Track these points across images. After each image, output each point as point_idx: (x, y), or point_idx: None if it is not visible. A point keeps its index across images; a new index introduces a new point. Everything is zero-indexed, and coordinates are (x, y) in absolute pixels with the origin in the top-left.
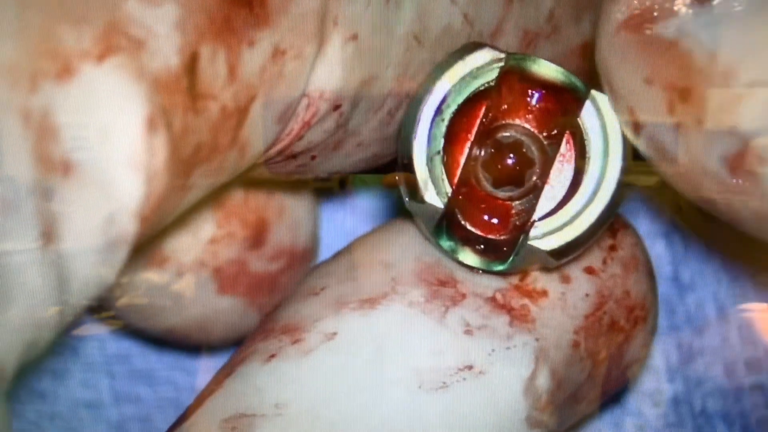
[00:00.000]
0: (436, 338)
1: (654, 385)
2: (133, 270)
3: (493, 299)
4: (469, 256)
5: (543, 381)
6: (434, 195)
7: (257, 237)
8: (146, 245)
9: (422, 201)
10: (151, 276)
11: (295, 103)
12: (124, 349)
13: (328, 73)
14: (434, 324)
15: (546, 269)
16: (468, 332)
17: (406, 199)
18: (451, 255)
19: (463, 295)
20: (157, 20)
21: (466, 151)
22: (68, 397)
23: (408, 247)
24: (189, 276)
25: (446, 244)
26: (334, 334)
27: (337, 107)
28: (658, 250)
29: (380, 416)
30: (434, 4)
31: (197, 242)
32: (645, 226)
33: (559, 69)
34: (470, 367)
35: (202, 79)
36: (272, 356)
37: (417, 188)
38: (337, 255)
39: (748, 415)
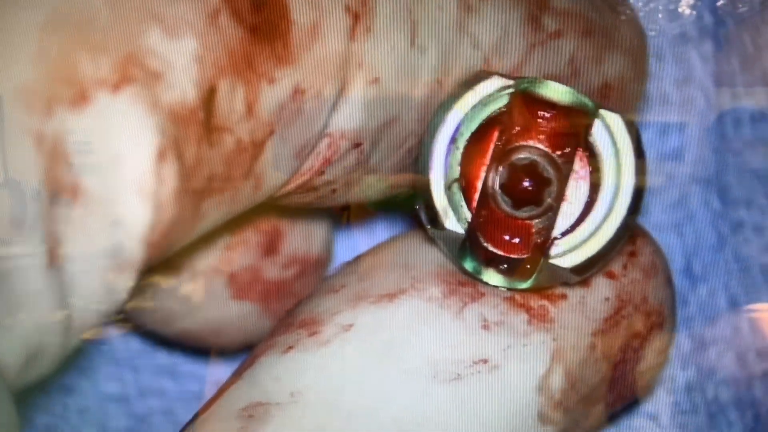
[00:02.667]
0: (453, 331)
1: (667, 373)
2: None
3: (512, 299)
4: (493, 276)
5: (557, 380)
6: (455, 222)
7: (271, 244)
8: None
9: (443, 228)
10: (166, 281)
11: (314, 140)
12: (147, 344)
13: (350, 113)
14: (451, 318)
15: (568, 284)
16: (485, 327)
17: (428, 227)
18: (476, 276)
19: (482, 294)
20: (176, 53)
21: (483, 175)
22: (95, 391)
23: (429, 253)
24: (203, 281)
25: (470, 265)
26: (351, 325)
27: (357, 145)
28: (670, 241)
29: (395, 405)
30: (457, 49)
31: (212, 249)
32: (655, 217)
33: (567, 89)
34: (485, 361)
35: (219, 112)
36: (290, 348)
37: (437, 216)
38: (358, 257)
39: (759, 403)
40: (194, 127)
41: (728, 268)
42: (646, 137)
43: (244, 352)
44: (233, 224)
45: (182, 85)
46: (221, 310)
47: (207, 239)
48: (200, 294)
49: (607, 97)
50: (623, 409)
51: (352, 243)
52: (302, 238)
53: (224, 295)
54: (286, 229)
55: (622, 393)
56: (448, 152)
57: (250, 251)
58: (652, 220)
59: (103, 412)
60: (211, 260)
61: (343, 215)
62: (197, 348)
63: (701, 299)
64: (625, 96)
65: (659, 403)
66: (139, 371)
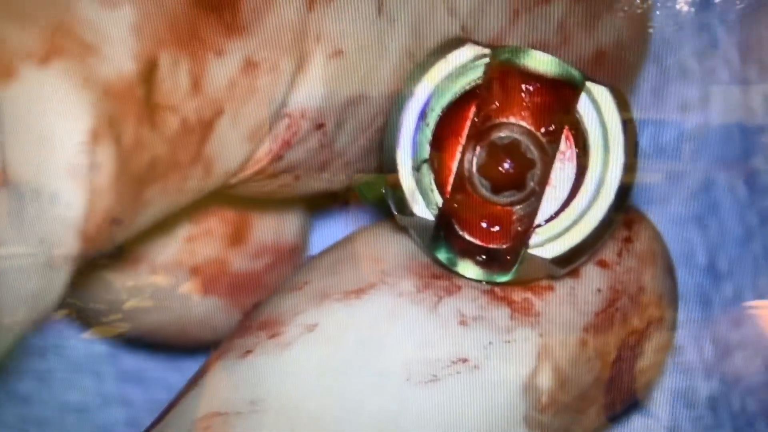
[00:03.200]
0: (427, 328)
1: (687, 384)
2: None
3: (491, 291)
4: (469, 268)
5: (545, 380)
6: (424, 207)
7: (237, 233)
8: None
9: (411, 214)
10: (123, 277)
11: (270, 121)
12: (111, 347)
13: (310, 91)
14: (425, 314)
15: (553, 278)
16: (463, 323)
17: (395, 213)
18: (450, 268)
19: (459, 287)
20: (111, 23)
21: (458, 155)
22: (54, 401)
23: (400, 244)
24: (164, 276)
25: (444, 256)
26: (315, 325)
27: (320, 126)
28: (691, 235)
29: (365, 412)
30: (431, 17)
31: (172, 241)
32: (676, 208)
33: (553, 59)
34: (464, 360)
35: (160, 89)
36: (249, 351)
37: (405, 202)
38: (323, 252)
39: None
40: (133, 105)
41: (756, 264)
42: (663, 114)
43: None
44: (194, 213)
45: (118, 58)
46: (185, 306)
47: (164, 230)
48: (161, 290)
49: (601, 66)
50: (624, 412)
51: (336, 228)
52: (273, 225)
53: (188, 290)
54: (255, 216)
55: (621, 394)
56: (417, 129)
57: (214, 242)
58: (671, 210)
59: (63, 423)
60: (172, 252)
61: (342, 197)
62: (165, 350)
63: (726, 299)
64: (623, 64)
65: (679, 418)
66: (101, 378)
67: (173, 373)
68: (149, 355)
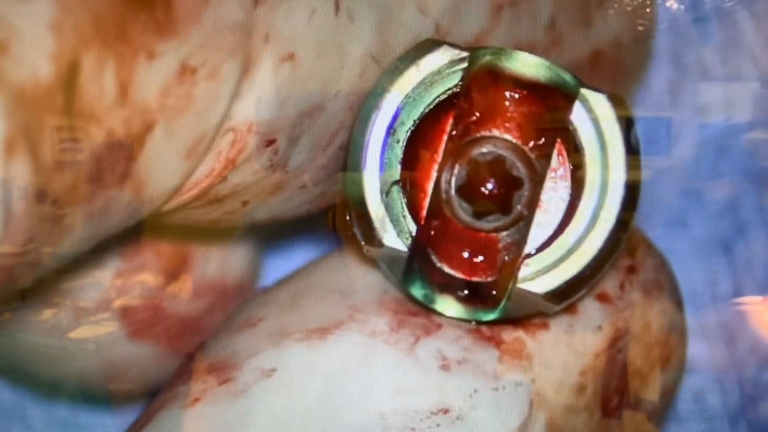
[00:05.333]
0: (403, 374)
1: None
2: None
3: (477, 330)
4: (449, 306)
5: None
6: (395, 236)
7: (175, 269)
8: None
9: (380, 245)
10: (42, 317)
11: (211, 136)
12: (39, 392)
13: (258, 101)
14: (401, 356)
15: (545, 315)
16: (444, 367)
17: (362, 243)
18: (427, 305)
19: (439, 325)
20: (26, 18)
21: (434, 175)
22: None
23: (370, 275)
24: (89, 318)
25: (420, 292)
26: (273, 370)
27: (270, 143)
28: (715, 260)
29: None
30: (398, 15)
31: (99, 277)
32: (696, 230)
33: (543, 62)
34: (446, 411)
35: (83, 95)
36: (196, 400)
37: (372, 230)
38: (280, 283)
39: None
40: (51, 113)
41: None
42: (680, 120)
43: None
44: (124, 244)
45: (33, 59)
46: (114, 351)
47: (90, 263)
48: (86, 334)
49: (598, 68)
50: None
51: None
52: (217, 260)
53: (117, 336)
54: (195, 249)
55: None
56: (385, 147)
57: (148, 279)
58: (693, 233)
59: None
60: (98, 291)
61: (327, 217)
62: (87, 399)
63: (754, 335)
64: (623, 67)
65: None
66: (29, 425)
67: (110, 417)
68: (82, 399)
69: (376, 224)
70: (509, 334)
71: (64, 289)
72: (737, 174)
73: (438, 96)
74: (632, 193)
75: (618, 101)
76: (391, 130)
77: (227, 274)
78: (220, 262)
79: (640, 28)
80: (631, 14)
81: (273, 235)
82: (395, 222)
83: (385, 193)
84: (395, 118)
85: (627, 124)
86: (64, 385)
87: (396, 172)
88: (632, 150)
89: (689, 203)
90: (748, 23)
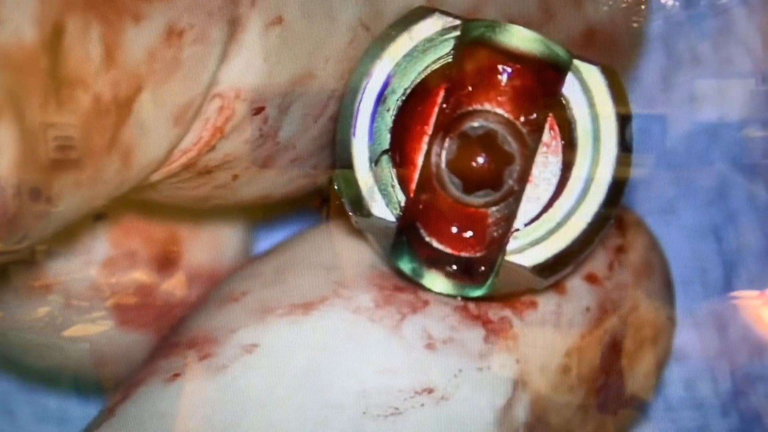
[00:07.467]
0: (388, 352)
1: (701, 422)
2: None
3: (464, 309)
4: (437, 281)
5: (521, 412)
6: (383, 206)
7: (166, 255)
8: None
9: (368, 215)
10: (31, 306)
11: (199, 101)
12: (25, 382)
13: (245, 66)
14: (386, 334)
15: (535, 291)
16: (430, 346)
17: (351, 213)
18: (415, 280)
19: (426, 302)
20: None
21: (424, 148)
22: None
23: (357, 249)
24: (78, 307)
25: (408, 266)
26: (255, 346)
27: (259, 110)
28: (705, 247)
29: None
30: None
31: (87, 265)
32: (686, 217)
33: (536, 36)
34: (430, 391)
35: (69, 60)
36: (176, 375)
37: (361, 199)
38: (264, 255)
39: None
40: (37, 78)
41: None
42: (672, 108)
43: None
44: (114, 231)
45: (17, 22)
46: (104, 342)
47: (77, 250)
48: (78, 332)
49: (592, 47)
50: None
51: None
52: (208, 244)
53: (107, 324)
54: (186, 233)
55: (604, 425)
56: (375, 115)
57: (138, 267)
58: (683, 220)
59: None
60: (87, 279)
61: (322, 208)
62: (83, 390)
63: (745, 323)
64: (617, 47)
65: None
66: (15, 417)
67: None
68: (73, 390)
69: (365, 193)
70: (496, 313)
71: (53, 276)
72: (727, 161)
73: (430, 65)
74: (623, 167)
75: (610, 73)
76: (381, 98)
77: (219, 260)
78: (212, 248)
79: (634, 10)
80: None
81: (265, 220)
82: (384, 192)
83: (375, 162)
84: (386, 85)
85: (620, 95)
86: (54, 376)
87: (386, 141)
88: (624, 123)
89: (678, 191)
90: (741, 10)
